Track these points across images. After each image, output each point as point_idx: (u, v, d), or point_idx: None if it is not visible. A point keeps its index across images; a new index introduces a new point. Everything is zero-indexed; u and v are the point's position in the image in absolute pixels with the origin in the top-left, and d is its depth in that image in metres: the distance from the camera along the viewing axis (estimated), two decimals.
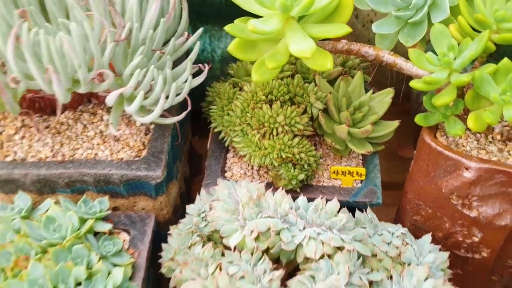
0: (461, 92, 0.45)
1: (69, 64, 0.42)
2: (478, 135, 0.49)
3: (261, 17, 0.45)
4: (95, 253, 0.44)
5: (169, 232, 0.51)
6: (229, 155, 0.61)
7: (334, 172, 0.57)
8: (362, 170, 0.57)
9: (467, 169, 0.45)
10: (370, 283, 0.45)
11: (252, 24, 0.39)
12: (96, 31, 0.44)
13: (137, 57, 0.45)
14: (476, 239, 0.50)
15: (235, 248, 0.46)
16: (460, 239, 0.51)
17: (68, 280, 0.41)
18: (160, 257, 0.51)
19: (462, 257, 0.53)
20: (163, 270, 0.49)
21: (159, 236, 0.54)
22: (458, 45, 0.44)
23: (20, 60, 0.42)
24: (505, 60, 0.42)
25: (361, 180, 0.57)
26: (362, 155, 0.59)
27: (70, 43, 0.40)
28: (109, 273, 0.44)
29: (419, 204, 0.53)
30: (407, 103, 0.82)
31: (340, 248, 0.45)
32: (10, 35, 0.39)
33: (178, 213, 0.62)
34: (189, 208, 0.53)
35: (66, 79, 0.42)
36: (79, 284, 0.42)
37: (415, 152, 0.52)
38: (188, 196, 0.71)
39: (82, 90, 0.44)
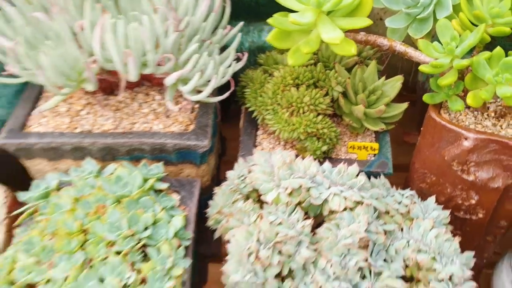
0: (461, 75, 0.54)
1: (140, 49, 0.51)
2: (475, 112, 0.58)
3: (295, 11, 0.54)
4: (158, 205, 0.54)
5: (213, 192, 0.60)
6: (259, 132, 0.71)
7: (351, 147, 0.67)
8: (376, 145, 0.66)
9: (466, 139, 0.54)
10: (385, 233, 0.54)
11: (293, 17, 0.49)
12: (161, 22, 0.53)
13: (192, 44, 0.54)
14: (473, 202, 0.59)
15: (271, 204, 0.55)
16: (460, 202, 0.60)
17: (138, 224, 0.51)
18: (202, 216, 0.60)
19: (461, 219, 0.62)
20: (210, 222, 0.59)
21: (200, 200, 0.63)
22: (459, 36, 0.54)
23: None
24: (498, 48, 0.52)
25: (374, 154, 0.67)
26: (375, 132, 0.69)
27: (143, 31, 0.49)
28: (168, 222, 0.54)
29: (424, 172, 0.62)
30: (413, 94, 0.91)
31: (359, 203, 0.54)
32: (97, 25, 0.48)
33: (215, 182, 0.71)
34: (229, 173, 0.62)
35: (138, 62, 0.52)
36: (146, 228, 0.51)
37: (422, 128, 0.62)
38: (217, 172, 0.80)
39: (148, 71, 0.54)
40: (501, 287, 0.66)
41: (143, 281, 0.48)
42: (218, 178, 0.78)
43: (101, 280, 0.47)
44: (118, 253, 0.49)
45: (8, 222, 0.60)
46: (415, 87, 0.91)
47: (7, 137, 0.61)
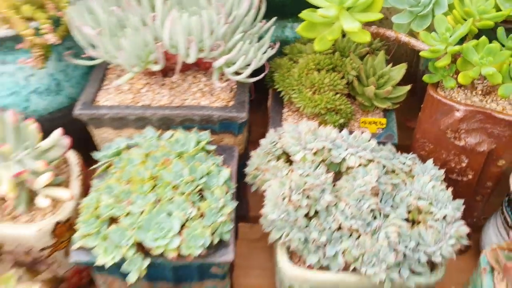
0: (453, 59, 0.67)
1: (199, 37, 0.64)
2: (466, 90, 0.71)
3: (319, 8, 0.68)
4: (209, 160, 0.67)
5: (250, 154, 0.73)
6: (285, 110, 0.84)
7: (362, 122, 0.80)
8: (383, 120, 0.79)
9: (457, 111, 0.67)
10: (391, 185, 0.67)
11: (320, 12, 0.62)
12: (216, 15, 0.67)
13: (237, 34, 0.68)
14: (464, 164, 0.72)
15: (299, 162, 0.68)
16: (453, 165, 0.73)
17: (196, 173, 0.64)
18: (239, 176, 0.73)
19: (454, 180, 0.75)
20: (249, 177, 0.72)
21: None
22: (453, 28, 0.67)
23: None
24: (483, 37, 0.65)
25: (382, 128, 0.80)
26: (383, 110, 0.82)
27: (202, 22, 0.62)
28: (218, 173, 0.67)
29: (424, 142, 0.75)
30: (413, 84, 1.04)
31: (371, 161, 0.67)
32: (168, 17, 0.61)
33: (247, 151, 0.84)
34: (262, 140, 0.75)
35: (197, 47, 0.65)
36: (202, 177, 0.65)
37: (422, 105, 0.74)
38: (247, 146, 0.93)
39: (203, 55, 0.67)
40: (489, 241, 0.79)
41: (202, 215, 0.61)
42: (247, 152, 0.91)
43: (169, 214, 0.60)
44: (182, 194, 0.62)
45: (82, 177, 0.74)
46: (416, 78, 1.04)
47: (81, 109, 0.75)
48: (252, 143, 0.78)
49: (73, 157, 0.76)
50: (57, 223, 0.68)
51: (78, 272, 0.77)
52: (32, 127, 0.67)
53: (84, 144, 0.79)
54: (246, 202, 0.92)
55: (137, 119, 0.74)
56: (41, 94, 0.80)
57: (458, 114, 0.67)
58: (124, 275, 0.66)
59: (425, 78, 0.70)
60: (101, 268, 0.66)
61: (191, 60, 0.67)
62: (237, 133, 0.78)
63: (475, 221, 0.81)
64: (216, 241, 0.61)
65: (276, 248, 0.67)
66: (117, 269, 0.64)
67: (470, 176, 0.73)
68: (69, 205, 0.69)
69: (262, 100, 0.90)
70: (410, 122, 1.08)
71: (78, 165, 0.75)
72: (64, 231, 0.70)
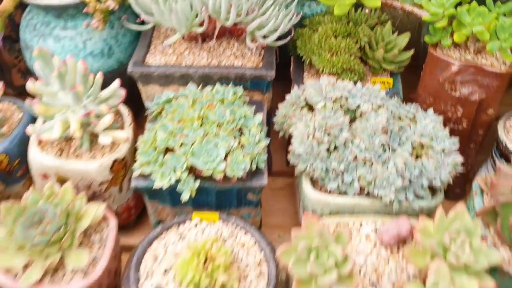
0: (450, 21, 0.81)
1: (237, 3, 0.77)
2: (460, 50, 0.84)
3: None
4: (245, 107, 0.80)
5: (279, 105, 0.86)
6: (305, 74, 0.97)
7: (373, 81, 0.93)
8: (390, 80, 0.92)
9: (453, 65, 0.80)
10: (398, 128, 0.80)
11: None
12: None
13: (269, 1, 0.81)
14: (459, 114, 0.85)
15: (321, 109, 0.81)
16: (450, 115, 0.86)
17: (236, 115, 0.77)
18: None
19: (451, 130, 0.87)
20: (277, 125, 0.85)
21: None
22: None
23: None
24: (473, 2, 0.78)
25: (390, 88, 0.93)
26: (390, 72, 0.95)
27: None
28: (253, 117, 0.80)
29: (425, 96, 0.88)
30: (414, 61, 1.17)
31: (381, 106, 0.80)
32: None
33: (270, 111, 0.97)
34: (288, 95, 0.88)
35: (236, 11, 0.78)
36: (240, 118, 0.77)
37: (424, 64, 0.87)
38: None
39: (239, 19, 0.80)
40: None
41: (242, 147, 0.74)
42: (270, 113, 1.04)
43: (216, 145, 0.73)
44: (225, 130, 0.75)
45: (133, 126, 0.87)
46: (418, 55, 1.17)
47: (134, 67, 0.87)
48: (274, 110, 0.91)
49: (124, 109, 0.89)
50: (115, 161, 0.80)
51: (128, 209, 0.90)
52: (97, 77, 0.80)
53: (129, 102, 0.92)
54: (270, 158, 1.04)
55: (181, 76, 0.87)
56: (96, 56, 0.93)
57: (454, 68, 0.80)
58: (173, 202, 0.78)
59: (426, 39, 0.83)
60: (153, 196, 0.78)
61: (229, 23, 0.80)
62: (264, 91, 0.90)
63: (469, 169, 0.94)
64: (254, 167, 0.74)
65: (301, 179, 0.79)
66: (168, 196, 0.77)
67: (464, 125, 0.86)
68: (124, 146, 0.82)
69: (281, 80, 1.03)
70: (412, 94, 1.21)
71: (129, 116, 0.88)
72: (120, 168, 0.82)
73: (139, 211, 0.93)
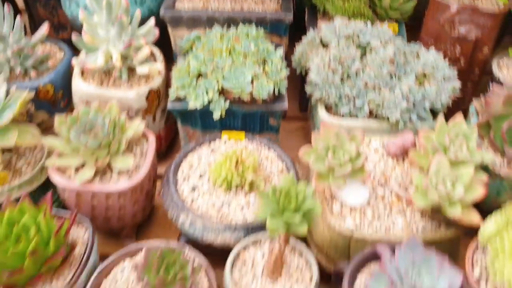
0: None
1: None
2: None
3: None
4: (267, 43, 0.89)
5: (295, 46, 0.96)
6: (318, 22, 1.07)
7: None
8: (396, 26, 1.02)
9: (452, 7, 0.90)
10: (404, 60, 0.90)
11: None
12: None
13: None
14: (457, 53, 0.95)
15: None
16: (449, 54, 0.96)
17: (260, 48, 0.86)
18: None
19: None
20: (295, 62, 0.94)
21: None
22: None
23: None
24: None
25: (395, 34, 1.02)
26: (396, 20, 1.05)
27: None
28: (275, 51, 0.89)
29: (428, 39, 0.98)
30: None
31: (388, 41, 0.89)
32: None
33: (286, 57, 1.07)
34: (304, 37, 0.97)
35: None
36: (263, 51, 0.87)
37: (426, 12, 0.97)
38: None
39: None
40: None
41: (266, 74, 0.84)
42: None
43: (243, 72, 0.83)
44: (251, 59, 0.84)
45: (164, 64, 0.96)
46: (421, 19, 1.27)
47: (165, 10, 0.97)
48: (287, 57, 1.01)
49: (156, 50, 0.99)
50: (150, 90, 0.90)
51: (159, 139, 0.99)
52: (136, 14, 0.89)
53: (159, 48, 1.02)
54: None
55: (207, 19, 0.97)
56: (130, 3, 1.02)
57: (452, 10, 0.90)
58: (204, 126, 0.88)
59: None
60: (186, 120, 0.88)
61: None
62: (282, 35, 1.00)
63: (467, 108, 1.04)
64: (276, 91, 0.83)
65: (316, 108, 0.89)
66: (199, 119, 0.87)
67: (462, 64, 0.96)
68: (158, 79, 0.92)
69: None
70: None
71: (161, 55, 0.98)
72: (154, 98, 0.92)
73: (168, 143, 1.03)
